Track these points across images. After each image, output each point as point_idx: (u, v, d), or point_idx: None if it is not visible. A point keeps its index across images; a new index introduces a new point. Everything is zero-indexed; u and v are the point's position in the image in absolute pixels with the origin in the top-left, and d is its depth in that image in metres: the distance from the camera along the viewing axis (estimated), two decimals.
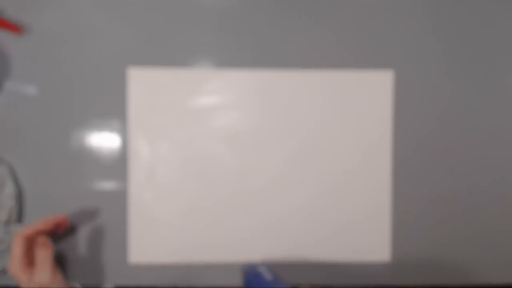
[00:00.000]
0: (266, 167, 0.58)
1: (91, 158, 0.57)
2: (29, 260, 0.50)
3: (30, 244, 0.50)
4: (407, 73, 0.59)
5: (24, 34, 0.56)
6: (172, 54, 0.58)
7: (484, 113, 0.60)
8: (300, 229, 0.59)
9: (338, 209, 0.59)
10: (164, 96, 0.58)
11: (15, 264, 0.49)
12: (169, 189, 0.58)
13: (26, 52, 0.56)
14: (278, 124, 0.58)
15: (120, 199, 0.57)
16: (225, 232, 0.58)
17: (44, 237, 0.51)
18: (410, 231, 0.60)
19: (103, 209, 0.57)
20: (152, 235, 0.58)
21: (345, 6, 0.59)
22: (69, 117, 0.57)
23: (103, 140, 0.57)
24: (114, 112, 0.57)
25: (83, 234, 0.57)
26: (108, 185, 0.57)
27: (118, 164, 0.57)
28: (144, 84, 0.57)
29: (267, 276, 0.50)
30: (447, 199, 0.60)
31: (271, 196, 0.59)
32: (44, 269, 0.50)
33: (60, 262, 0.57)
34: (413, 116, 0.59)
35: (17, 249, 0.49)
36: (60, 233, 0.56)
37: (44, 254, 0.51)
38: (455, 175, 0.60)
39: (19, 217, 0.56)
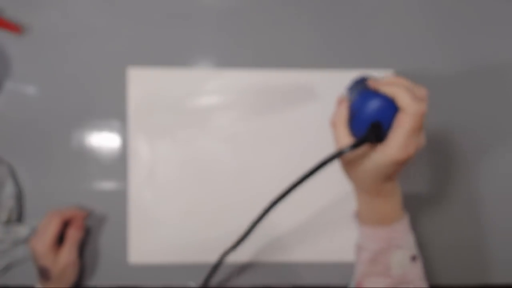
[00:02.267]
0: (266, 167, 0.58)
1: (91, 158, 0.57)
2: (56, 241, 0.52)
3: (62, 226, 0.53)
4: (407, 73, 0.59)
5: (24, 34, 0.56)
6: (172, 54, 0.58)
7: (483, 112, 0.60)
8: (300, 228, 0.59)
9: (338, 208, 0.59)
10: (164, 96, 0.58)
11: (46, 242, 0.51)
12: (169, 189, 0.58)
13: (26, 52, 0.57)
14: (278, 124, 0.58)
15: (120, 199, 0.57)
16: (225, 232, 0.58)
17: (81, 220, 0.54)
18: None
19: (103, 209, 0.57)
20: (152, 235, 0.58)
21: (345, 6, 0.59)
22: (69, 117, 0.57)
23: (103, 140, 0.57)
24: (114, 112, 0.57)
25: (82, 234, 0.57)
26: (108, 185, 0.57)
27: (118, 164, 0.57)
28: (144, 84, 0.57)
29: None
30: (446, 199, 0.60)
31: (271, 196, 0.59)
32: (71, 250, 0.53)
33: None
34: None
35: (53, 228, 0.51)
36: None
37: (75, 236, 0.53)
38: (455, 175, 0.60)
39: (19, 217, 0.56)
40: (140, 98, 0.57)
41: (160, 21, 0.58)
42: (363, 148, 0.39)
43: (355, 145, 0.38)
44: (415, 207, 0.60)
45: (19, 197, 0.56)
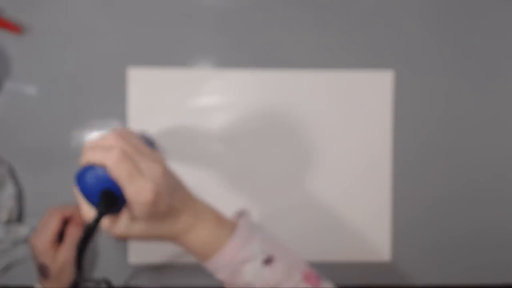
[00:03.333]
0: (266, 167, 0.58)
1: None
2: (56, 238, 0.52)
3: (62, 223, 0.52)
4: (407, 73, 0.59)
5: (24, 34, 0.56)
6: (171, 54, 0.58)
7: (483, 112, 0.60)
8: (300, 228, 0.59)
9: (338, 208, 0.59)
10: (163, 96, 0.58)
11: (46, 239, 0.51)
12: None
13: (26, 52, 0.56)
14: (278, 124, 0.58)
15: None
16: None
17: (81, 217, 0.52)
18: (410, 231, 0.60)
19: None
20: None
21: (345, 6, 0.59)
22: (69, 117, 0.57)
23: None
24: (114, 112, 0.57)
25: None
26: None
27: None
28: (143, 84, 0.57)
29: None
30: (447, 199, 0.60)
31: (271, 196, 0.59)
32: (71, 247, 0.52)
33: None
34: (413, 116, 0.59)
35: (53, 225, 0.51)
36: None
37: (75, 233, 0.53)
38: (455, 175, 0.60)
39: (19, 217, 0.56)
40: (140, 98, 0.57)
41: (159, 21, 0.58)
42: (111, 218, 0.37)
43: (97, 219, 0.35)
44: (416, 207, 0.60)
45: (19, 197, 0.56)
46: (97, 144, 0.36)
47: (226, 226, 0.41)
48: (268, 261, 0.40)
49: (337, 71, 0.58)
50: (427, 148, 0.60)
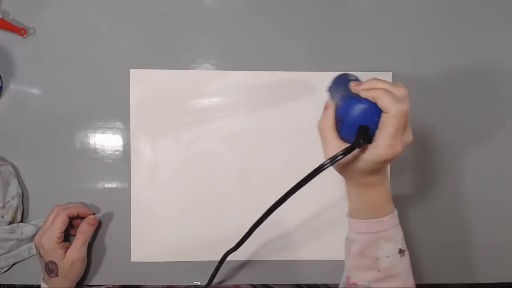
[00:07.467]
0: (266, 167, 0.59)
1: (94, 159, 0.58)
2: (62, 236, 0.52)
3: (68, 222, 0.53)
4: (404, 76, 0.60)
5: (29, 36, 0.57)
6: (173, 56, 0.58)
7: (481, 113, 0.61)
8: (300, 227, 0.59)
9: (338, 208, 0.60)
10: (165, 97, 0.58)
11: (53, 238, 0.51)
12: (171, 188, 0.58)
13: (31, 54, 0.57)
14: (278, 125, 0.59)
15: (123, 199, 0.58)
16: (226, 230, 0.59)
17: (93, 215, 0.55)
18: (409, 229, 0.60)
19: (106, 209, 0.58)
20: (154, 234, 0.58)
21: (344, 9, 0.59)
22: (72, 118, 0.58)
23: (106, 141, 0.58)
24: (117, 113, 0.58)
25: None
26: (111, 185, 0.58)
27: (121, 164, 0.58)
28: (146, 86, 0.58)
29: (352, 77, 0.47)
30: (446, 198, 0.61)
31: (271, 195, 0.59)
32: (82, 245, 0.52)
33: None
34: (411, 117, 0.60)
35: (59, 224, 0.51)
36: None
37: (88, 231, 0.53)
38: (453, 175, 0.61)
39: (23, 216, 0.57)
40: (142, 99, 0.58)
41: (162, 24, 0.58)
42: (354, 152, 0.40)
43: (347, 151, 0.39)
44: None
45: (24, 197, 0.57)
46: (391, 88, 0.39)
47: (391, 202, 0.45)
48: (401, 252, 0.44)
49: (337, 73, 0.59)
50: (426, 147, 0.60)
